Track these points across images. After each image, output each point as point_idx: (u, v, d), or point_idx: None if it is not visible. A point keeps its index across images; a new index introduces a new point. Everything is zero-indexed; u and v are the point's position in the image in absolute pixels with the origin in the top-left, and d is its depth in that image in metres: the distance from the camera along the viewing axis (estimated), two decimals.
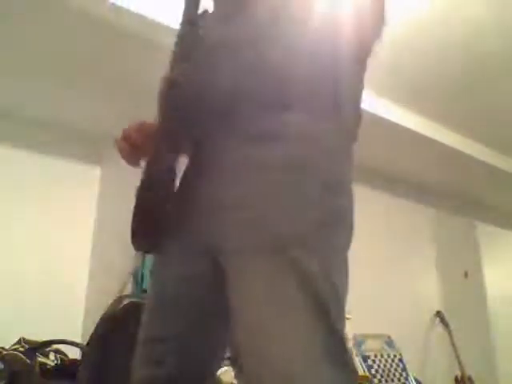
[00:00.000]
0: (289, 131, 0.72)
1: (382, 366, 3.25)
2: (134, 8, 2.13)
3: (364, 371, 3.08)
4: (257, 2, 0.74)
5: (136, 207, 0.84)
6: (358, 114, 0.84)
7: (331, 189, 0.76)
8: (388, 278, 3.99)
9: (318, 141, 0.74)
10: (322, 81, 0.75)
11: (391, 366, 3.30)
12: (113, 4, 2.08)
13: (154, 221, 0.82)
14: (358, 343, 3.18)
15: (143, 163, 0.89)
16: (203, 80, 0.75)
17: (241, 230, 0.69)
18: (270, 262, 0.66)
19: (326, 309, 0.65)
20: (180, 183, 0.85)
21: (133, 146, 0.87)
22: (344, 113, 0.80)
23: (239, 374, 0.66)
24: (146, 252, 0.96)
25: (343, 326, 0.68)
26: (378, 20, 0.81)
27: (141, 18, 2.15)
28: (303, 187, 0.70)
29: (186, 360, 0.79)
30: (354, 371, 0.67)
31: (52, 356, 1.97)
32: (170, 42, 0.91)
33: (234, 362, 0.69)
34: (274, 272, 0.65)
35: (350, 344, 2.01)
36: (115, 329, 1.68)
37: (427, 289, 4.52)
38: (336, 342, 0.65)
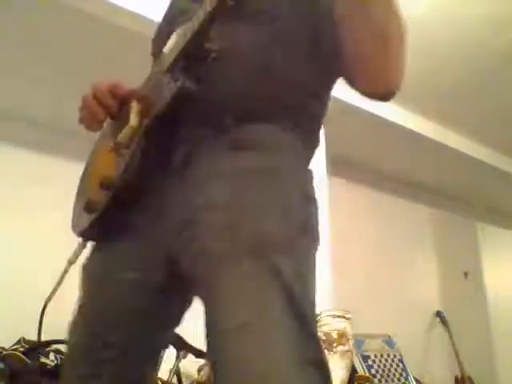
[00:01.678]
0: (266, 142, 0.74)
1: (381, 365, 3.25)
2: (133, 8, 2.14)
3: (364, 371, 3.08)
4: (254, 19, 0.77)
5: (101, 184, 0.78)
6: (319, 138, 0.87)
7: (306, 196, 0.75)
8: (388, 277, 3.99)
9: (291, 151, 0.76)
10: (299, 97, 0.78)
11: (391, 365, 3.30)
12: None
13: (114, 206, 0.76)
14: (358, 343, 3.18)
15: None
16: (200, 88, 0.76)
17: (221, 234, 0.68)
18: (250, 266, 0.66)
19: (303, 312, 0.66)
20: (144, 186, 0.79)
21: (101, 108, 0.82)
22: (317, 132, 0.84)
23: (216, 378, 0.66)
24: (90, 240, 0.84)
25: (317, 328, 0.69)
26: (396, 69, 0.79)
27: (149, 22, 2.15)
28: (282, 194, 0.71)
29: (124, 371, 0.78)
30: (329, 371, 0.66)
31: (52, 356, 1.97)
32: None
33: (212, 367, 0.68)
34: (253, 276, 0.65)
35: (350, 344, 2.02)
36: None
37: (427, 289, 4.52)
38: (313, 344, 0.66)
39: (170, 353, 2.07)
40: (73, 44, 2.41)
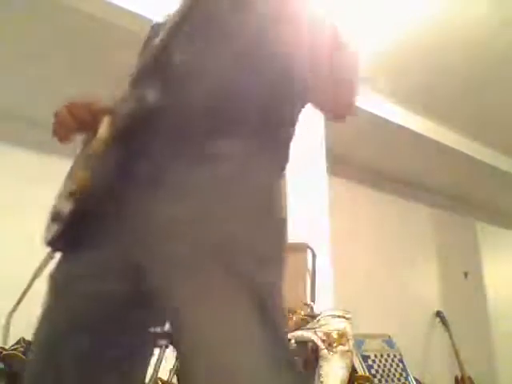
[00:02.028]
0: (229, 156, 0.75)
1: (381, 365, 3.25)
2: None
3: (364, 371, 3.08)
4: (221, 39, 0.79)
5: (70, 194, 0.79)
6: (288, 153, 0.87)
7: (270, 206, 0.77)
8: (388, 278, 3.99)
9: (254, 164, 0.77)
10: (262, 116, 0.80)
11: (391, 365, 3.30)
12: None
13: (82, 219, 0.77)
14: (358, 343, 3.18)
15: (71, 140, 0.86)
16: (167, 102, 0.78)
17: (186, 242, 0.69)
18: (216, 274, 0.66)
19: (272, 317, 0.66)
20: (108, 197, 0.80)
21: (76, 123, 0.84)
22: (283, 149, 0.85)
23: None
24: (57, 251, 0.85)
25: (286, 333, 0.70)
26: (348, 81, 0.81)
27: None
28: (245, 203, 0.73)
29: (86, 379, 0.77)
30: (297, 369, 0.68)
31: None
32: None
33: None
34: (219, 283, 0.66)
35: (350, 344, 2.01)
36: None
37: (427, 289, 4.52)
38: (283, 348, 0.67)
39: (169, 353, 2.07)
40: (73, 44, 2.41)
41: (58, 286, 0.82)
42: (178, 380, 2.20)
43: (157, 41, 0.80)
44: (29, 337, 2.09)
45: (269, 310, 0.66)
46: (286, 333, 0.70)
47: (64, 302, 0.80)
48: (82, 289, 0.78)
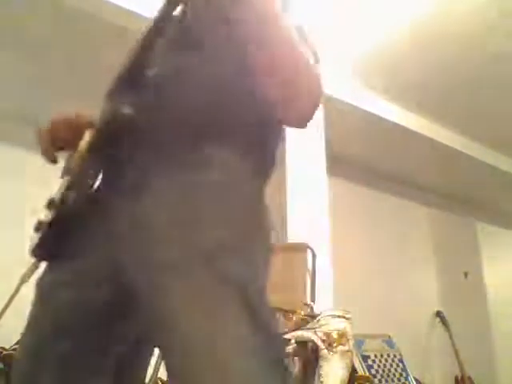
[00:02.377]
0: (213, 162, 0.76)
1: (381, 366, 3.25)
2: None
3: (364, 371, 3.08)
4: (212, 43, 0.81)
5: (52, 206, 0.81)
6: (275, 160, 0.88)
7: (253, 208, 0.78)
8: (388, 277, 3.99)
9: (238, 171, 0.78)
10: (245, 124, 0.81)
11: (391, 366, 3.30)
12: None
13: (64, 228, 0.80)
14: (358, 343, 3.18)
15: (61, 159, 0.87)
16: (151, 108, 0.79)
17: (170, 245, 0.70)
18: (209, 279, 0.67)
19: (261, 316, 0.67)
20: (90, 202, 0.81)
21: (58, 143, 0.86)
22: (268, 157, 0.86)
23: None
24: (40, 259, 0.86)
25: (275, 327, 0.71)
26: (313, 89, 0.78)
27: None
28: (229, 206, 0.74)
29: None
30: (288, 369, 0.70)
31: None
32: None
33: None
34: (213, 288, 0.67)
35: (350, 344, 2.01)
36: None
37: (427, 289, 4.52)
38: (274, 346, 0.67)
39: None
40: (73, 44, 2.41)
41: (43, 293, 0.83)
42: None
43: (130, 52, 0.82)
44: None
45: (259, 312, 0.66)
46: (277, 333, 0.70)
47: (48, 309, 0.80)
48: (66, 296, 0.79)
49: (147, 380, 1.85)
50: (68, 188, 0.81)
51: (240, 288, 0.66)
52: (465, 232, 4.94)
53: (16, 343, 2.10)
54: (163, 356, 0.68)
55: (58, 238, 0.81)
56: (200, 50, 0.82)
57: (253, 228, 0.75)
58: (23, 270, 0.90)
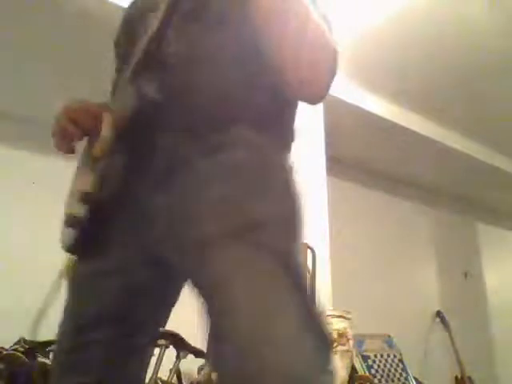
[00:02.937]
0: (243, 141, 0.77)
1: (382, 365, 3.25)
2: None
3: (364, 371, 3.08)
4: (238, 24, 0.79)
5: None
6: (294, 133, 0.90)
7: (287, 182, 0.80)
8: (388, 277, 3.99)
9: (267, 147, 0.80)
10: (265, 100, 0.81)
11: (391, 366, 3.30)
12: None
13: (102, 221, 0.78)
14: (358, 343, 3.18)
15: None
16: (181, 91, 0.78)
17: (212, 221, 0.72)
18: (246, 249, 0.69)
19: (303, 285, 0.71)
20: (122, 196, 0.80)
21: (80, 130, 0.82)
22: (288, 130, 0.88)
23: (220, 366, 0.69)
24: (77, 254, 0.86)
25: (313, 298, 0.74)
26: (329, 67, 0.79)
27: None
28: (266, 182, 0.76)
29: (109, 369, 0.80)
30: (331, 340, 0.74)
31: (52, 356, 1.97)
32: None
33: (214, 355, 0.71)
34: (256, 257, 0.69)
35: (350, 344, 2.02)
36: None
37: (427, 289, 4.52)
38: (315, 315, 0.70)
39: (170, 353, 2.07)
40: (73, 44, 2.41)
41: (82, 283, 0.84)
42: (179, 380, 2.20)
43: (148, 32, 0.79)
44: (29, 337, 2.09)
45: (299, 279, 0.70)
46: (313, 297, 0.74)
47: (91, 296, 0.82)
48: (109, 284, 0.81)
49: (147, 380, 1.85)
50: (99, 178, 0.78)
51: (281, 257, 0.69)
52: (465, 232, 4.94)
53: (16, 343, 2.10)
54: (214, 321, 0.69)
55: (94, 231, 0.80)
56: (222, 26, 0.80)
57: (287, 199, 0.77)
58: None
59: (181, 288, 0.88)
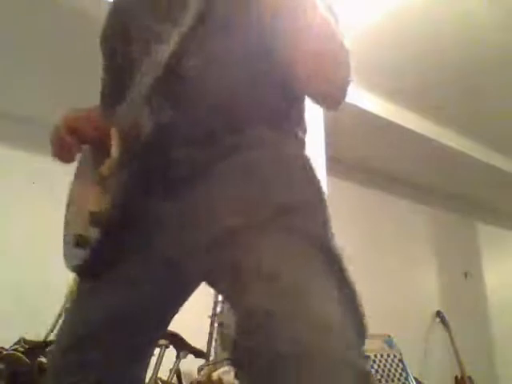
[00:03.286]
0: (259, 140, 0.79)
1: (382, 365, 3.25)
2: None
3: None
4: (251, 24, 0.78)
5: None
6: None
7: (307, 170, 0.81)
8: (388, 277, 3.99)
9: (283, 143, 0.81)
10: (278, 99, 0.83)
11: (391, 366, 3.30)
12: None
13: (107, 239, 0.76)
14: None
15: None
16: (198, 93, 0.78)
17: (248, 208, 0.72)
18: (279, 234, 0.69)
19: (339, 262, 0.72)
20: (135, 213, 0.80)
21: (81, 142, 0.80)
22: (303, 128, 0.88)
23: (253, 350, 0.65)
24: (86, 275, 0.84)
25: (352, 279, 0.74)
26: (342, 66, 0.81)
27: None
28: (288, 172, 0.77)
29: (108, 371, 0.80)
30: (364, 315, 0.71)
31: (48, 355, 1.97)
32: None
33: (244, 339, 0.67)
34: (290, 241, 0.69)
35: None
36: None
37: (427, 289, 4.52)
38: (351, 291, 0.71)
39: (170, 353, 2.07)
40: (73, 44, 2.41)
41: (87, 289, 0.85)
42: (179, 380, 2.20)
43: (168, 44, 0.76)
44: (29, 337, 2.09)
45: (334, 261, 0.71)
46: (350, 277, 0.74)
47: (99, 305, 0.81)
48: (113, 288, 0.81)
49: (147, 380, 1.85)
50: (111, 200, 0.77)
51: (315, 240, 0.70)
52: (465, 232, 4.94)
53: (16, 343, 2.10)
54: (243, 305, 0.67)
55: (107, 251, 0.78)
56: (228, 29, 0.79)
57: (309, 186, 0.78)
58: None
59: (188, 292, 0.88)
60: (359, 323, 0.68)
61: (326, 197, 0.79)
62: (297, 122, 0.87)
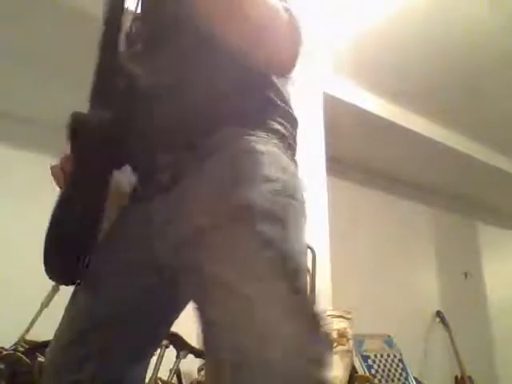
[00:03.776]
0: (233, 139, 0.79)
1: (382, 366, 3.25)
2: None
3: (364, 371, 3.08)
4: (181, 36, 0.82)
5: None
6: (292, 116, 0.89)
7: (282, 167, 0.79)
8: (388, 277, 3.99)
9: (256, 137, 0.80)
10: (254, 100, 0.83)
11: (391, 365, 3.30)
12: None
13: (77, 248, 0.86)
14: (358, 343, 3.18)
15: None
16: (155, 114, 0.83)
17: (203, 209, 0.73)
18: (237, 235, 0.69)
19: (291, 271, 0.69)
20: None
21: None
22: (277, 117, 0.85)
23: (208, 355, 0.69)
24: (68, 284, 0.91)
25: (306, 288, 0.70)
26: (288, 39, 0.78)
27: None
28: (256, 169, 0.75)
29: (105, 369, 0.81)
30: (319, 320, 0.68)
31: (46, 352, 1.96)
32: None
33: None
34: (241, 243, 0.69)
35: (350, 344, 2.02)
36: None
37: (427, 289, 4.52)
38: (301, 298, 0.68)
39: (170, 353, 2.07)
40: (73, 44, 2.41)
41: (86, 285, 0.86)
42: (179, 380, 2.20)
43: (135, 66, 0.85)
44: (29, 337, 2.09)
45: (291, 269, 0.68)
46: (306, 286, 0.70)
47: (91, 298, 0.84)
48: (114, 286, 0.84)
49: (147, 380, 1.85)
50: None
51: (273, 247, 0.68)
52: (465, 232, 4.94)
53: (16, 343, 2.10)
54: (202, 310, 0.70)
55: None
56: (176, 40, 0.83)
57: (271, 190, 0.75)
58: None
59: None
60: (312, 329, 0.66)
61: (296, 195, 0.77)
62: (269, 114, 0.84)
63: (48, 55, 2.53)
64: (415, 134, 3.54)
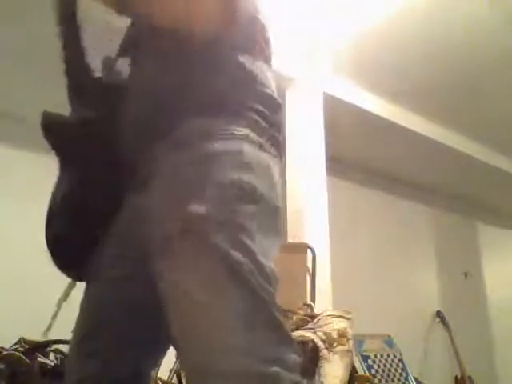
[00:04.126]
0: (197, 133, 0.77)
1: (382, 366, 3.25)
2: None
3: (364, 371, 3.08)
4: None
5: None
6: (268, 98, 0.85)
7: (241, 166, 0.75)
8: (388, 277, 3.99)
9: (220, 133, 0.77)
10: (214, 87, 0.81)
11: (391, 365, 3.30)
12: None
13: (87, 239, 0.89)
14: (358, 343, 3.18)
15: None
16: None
17: (157, 220, 0.74)
18: (188, 244, 0.69)
19: (247, 280, 0.67)
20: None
21: None
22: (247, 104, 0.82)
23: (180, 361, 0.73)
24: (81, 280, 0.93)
25: (269, 294, 0.69)
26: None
27: None
28: (211, 174, 0.73)
29: (113, 365, 0.82)
30: (285, 331, 0.69)
31: (52, 356, 1.97)
32: None
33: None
34: (192, 253, 0.69)
35: (350, 344, 2.01)
36: None
37: (427, 289, 4.52)
38: (263, 307, 0.68)
39: (170, 353, 2.07)
40: None
41: (100, 284, 0.88)
42: (179, 380, 2.20)
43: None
44: (29, 337, 2.09)
45: (243, 273, 0.67)
46: (268, 296, 0.69)
47: (106, 296, 0.86)
48: (113, 275, 0.86)
49: None
50: None
51: (226, 257, 0.67)
52: (465, 232, 4.94)
53: (16, 343, 2.10)
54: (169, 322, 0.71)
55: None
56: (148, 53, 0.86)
57: (240, 190, 0.72)
58: None
59: None
60: (274, 333, 0.67)
61: (259, 196, 0.74)
62: (242, 99, 0.80)
63: (48, 55, 2.53)
64: (415, 133, 3.54)
